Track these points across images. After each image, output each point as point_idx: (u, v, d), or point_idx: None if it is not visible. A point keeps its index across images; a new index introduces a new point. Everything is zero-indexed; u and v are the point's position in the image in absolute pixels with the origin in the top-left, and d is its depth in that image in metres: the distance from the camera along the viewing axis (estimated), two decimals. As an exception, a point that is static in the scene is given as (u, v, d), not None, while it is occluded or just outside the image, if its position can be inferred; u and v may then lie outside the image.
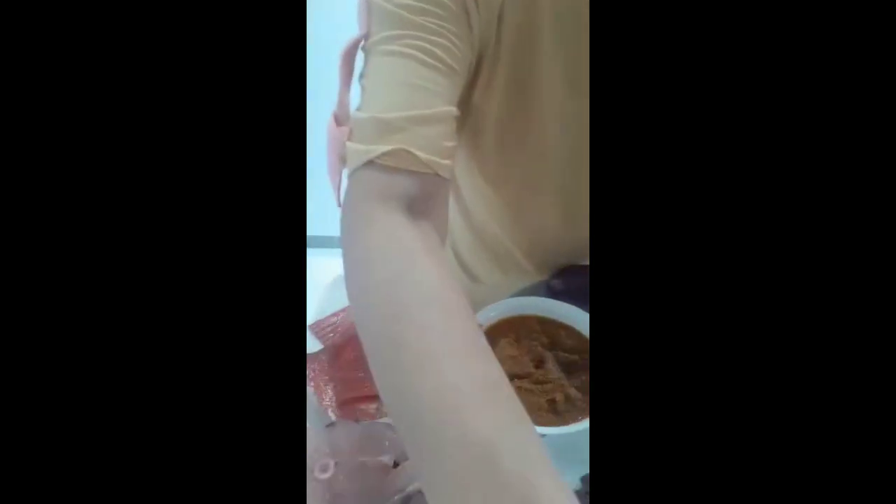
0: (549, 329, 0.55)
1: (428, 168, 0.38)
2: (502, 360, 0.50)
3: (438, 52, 0.39)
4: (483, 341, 0.34)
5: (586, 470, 0.44)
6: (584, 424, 0.45)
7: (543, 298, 0.58)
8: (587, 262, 0.72)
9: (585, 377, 0.50)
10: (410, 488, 0.43)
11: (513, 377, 0.49)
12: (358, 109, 0.40)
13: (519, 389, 0.48)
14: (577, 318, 0.55)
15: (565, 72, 0.49)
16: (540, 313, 0.57)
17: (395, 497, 0.42)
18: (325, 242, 0.68)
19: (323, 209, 0.56)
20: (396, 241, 0.36)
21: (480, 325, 0.54)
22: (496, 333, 0.54)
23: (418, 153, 0.37)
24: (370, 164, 0.37)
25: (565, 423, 0.45)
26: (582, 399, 0.48)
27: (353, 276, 0.37)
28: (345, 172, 0.41)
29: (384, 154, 0.37)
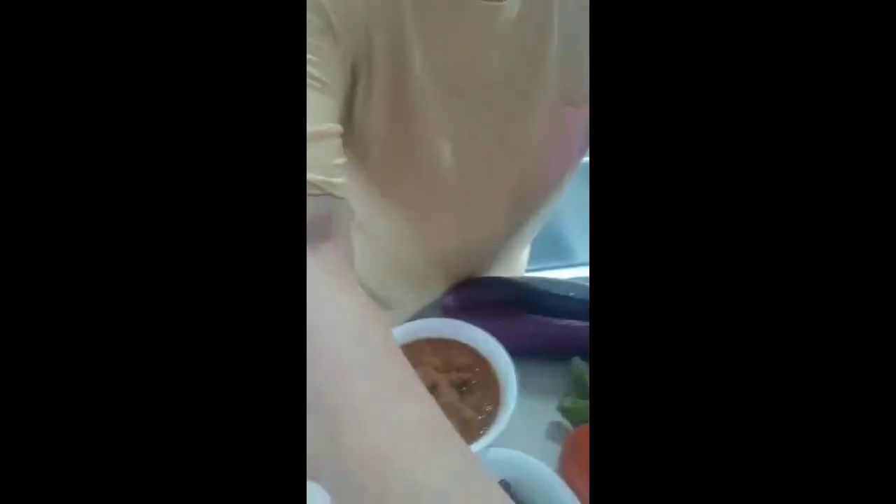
0: (442, 350, 0.54)
1: (319, 189, 0.36)
2: (395, 393, 0.49)
3: (310, 69, 0.38)
4: (410, 373, 0.32)
5: (488, 491, 0.43)
6: (481, 444, 0.44)
7: (433, 319, 0.57)
8: (485, 274, 0.73)
9: (480, 393, 0.50)
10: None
11: (405, 409, 0.48)
12: None
13: (412, 421, 0.47)
14: (469, 335, 0.55)
15: (440, 83, 0.49)
16: (431, 335, 0.56)
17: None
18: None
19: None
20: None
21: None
22: (388, 365, 0.53)
23: (307, 175, 0.35)
24: None
25: (462, 446, 0.45)
26: (476, 419, 0.47)
27: None
28: None
29: None
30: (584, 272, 2.07)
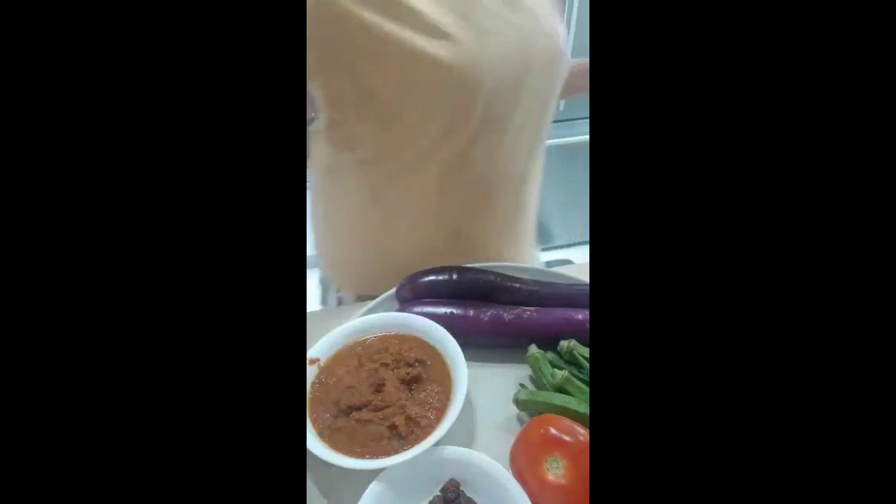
0: (392, 345, 0.52)
1: None
2: (340, 393, 0.47)
3: None
4: None
5: (436, 491, 0.41)
6: (429, 443, 0.42)
7: (385, 314, 0.55)
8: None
9: (430, 387, 0.48)
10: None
11: (350, 409, 0.45)
12: None
13: (357, 422, 0.44)
14: (422, 327, 0.53)
15: None
16: (380, 332, 0.54)
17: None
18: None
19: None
20: None
21: (318, 360, 0.51)
22: (336, 364, 0.51)
23: None
24: None
25: (410, 445, 0.43)
26: (425, 416, 0.45)
27: None
28: None
29: None
30: (561, 255, 2.06)
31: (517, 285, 0.59)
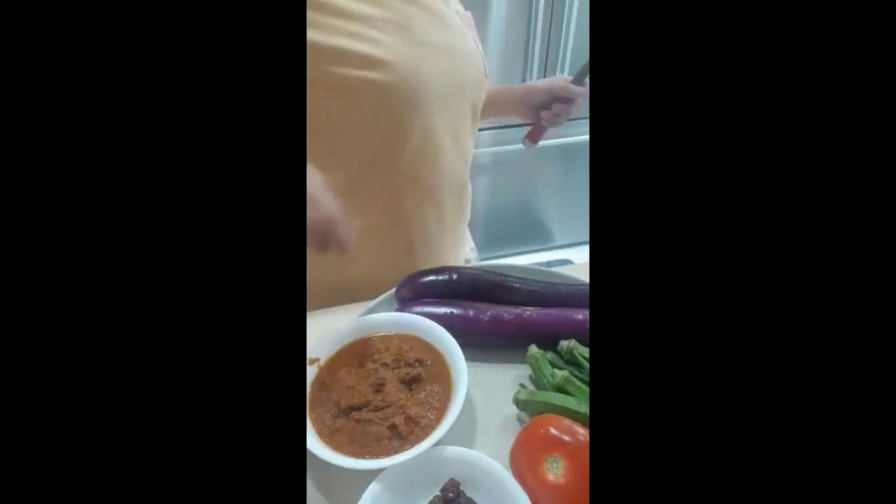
0: (392, 345, 0.52)
1: None
2: (340, 393, 0.47)
3: None
4: None
5: (436, 491, 0.41)
6: (429, 443, 0.42)
7: (385, 314, 0.55)
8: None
9: (430, 387, 0.48)
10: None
11: (350, 409, 0.45)
12: None
13: (357, 422, 0.44)
14: (422, 328, 0.53)
15: None
16: (380, 332, 0.54)
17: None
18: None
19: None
20: None
21: (318, 360, 0.51)
22: (336, 364, 0.51)
23: None
24: None
25: (410, 445, 0.43)
26: (425, 416, 0.45)
27: None
28: None
29: None
30: (561, 255, 2.06)
31: (517, 285, 0.59)
